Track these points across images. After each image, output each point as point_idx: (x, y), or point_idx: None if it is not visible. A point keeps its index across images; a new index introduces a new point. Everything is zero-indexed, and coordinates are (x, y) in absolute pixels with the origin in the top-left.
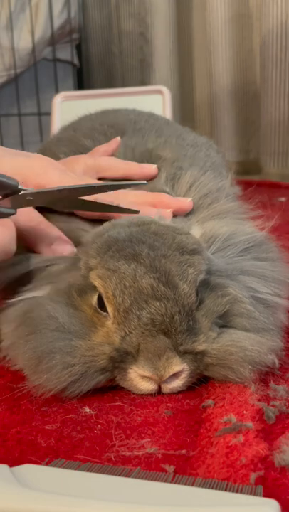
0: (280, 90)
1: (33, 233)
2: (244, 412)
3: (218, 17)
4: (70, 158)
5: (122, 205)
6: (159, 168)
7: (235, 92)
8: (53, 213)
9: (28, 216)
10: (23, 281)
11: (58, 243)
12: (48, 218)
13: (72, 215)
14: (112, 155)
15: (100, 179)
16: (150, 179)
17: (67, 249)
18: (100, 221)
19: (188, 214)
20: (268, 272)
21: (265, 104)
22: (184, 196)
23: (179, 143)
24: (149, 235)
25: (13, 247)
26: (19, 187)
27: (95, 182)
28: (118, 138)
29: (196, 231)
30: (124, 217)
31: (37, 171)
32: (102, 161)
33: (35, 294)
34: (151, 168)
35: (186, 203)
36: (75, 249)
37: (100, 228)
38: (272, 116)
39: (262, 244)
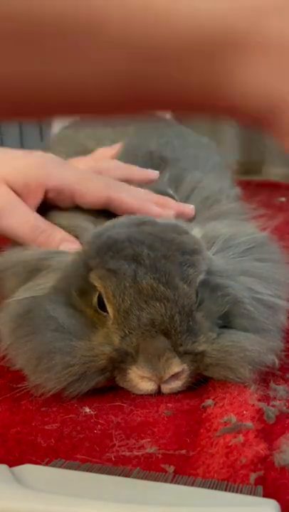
0: None
1: (36, 242)
2: (244, 412)
3: None
4: (72, 160)
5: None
6: (161, 171)
7: None
8: (54, 210)
9: (28, 224)
10: (22, 267)
11: (64, 246)
12: (48, 216)
13: (74, 210)
14: (113, 158)
15: None
16: (150, 183)
17: (74, 249)
18: (103, 215)
19: None
20: (269, 273)
21: None
22: (187, 198)
23: (181, 143)
24: (149, 236)
25: None
26: None
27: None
28: (119, 144)
29: (198, 232)
30: (124, 217)
31: (36, 169)
32: (104, 164)
33: (34, 293)
34: (153, 174)
35: (188, 209)
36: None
37: (99, 228)
38: None
39: (263, 245)
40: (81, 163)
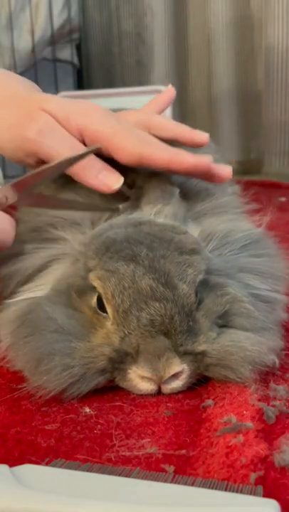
0: (284, 90)
1: (77, 166)
2: (244, 412)
3: (219, 17)
4: (122, 112)
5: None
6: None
7: (236, 92)
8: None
9: (68, 145)
10: (23, 276)
11: (104, 174)
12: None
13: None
14: (168, 105)
15: None
16: (199, 147)
17: (115, 178)
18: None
19: (184, 207)
20: (266, 268)
21: (269, 104)
22: (180, 192)
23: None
24: (147, 236)
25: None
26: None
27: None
28: (170, 85)
29: (193, 228)
30: (122, 217)
31: (78, 111)
32: (154, 119)
33: (34, 294)
34: (202, 137)
35: (227, 170)
36: (122, 179)
37: (97, 229)
38: (275, 116)
39: (259, 240)
40: (133, 114)
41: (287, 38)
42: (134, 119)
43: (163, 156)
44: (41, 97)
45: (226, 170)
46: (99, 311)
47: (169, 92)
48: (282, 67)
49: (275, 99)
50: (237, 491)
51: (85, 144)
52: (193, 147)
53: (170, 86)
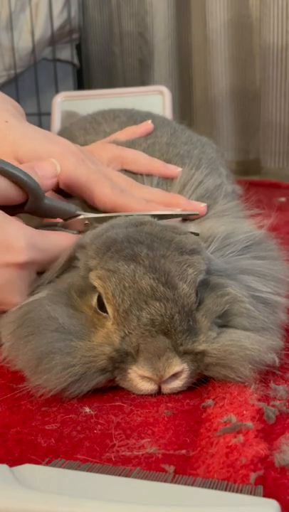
0: (281, 90)
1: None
2: (244, 412)
3: (217, 17)
4: (98, 145)
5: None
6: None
7: (234, 93)
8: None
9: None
10: None
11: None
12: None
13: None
14: (140, 137)
15: (122, 170)
16: (172, 179)
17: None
18: None
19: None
20: (268, 271)
21: (266, 104)
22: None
23: (172, 142)
24: (148, 235)
25: None
26: (77, 212)
27: (113, 172)
28: (150, 121)
29: (194, 231)
30: (122, 218)
31: (54, 156)
32: (129, 153)
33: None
34: (175, 170)
35: (199, 207)
36: None
37: (98, 229)
38: (272, 116)
39: (261, 242)
40: (107, 149)
41: (283, 38)
42: (108, 156)
43: (134, 208)
44: (13, 140)
45: (199, 206)
46: (99, 310)
47: (145, 126)
48: (279, 67)
49: (271, 99)
50: (237, 491)
51: (61, 188)
52: (166, 178)
53: (149, 121)
